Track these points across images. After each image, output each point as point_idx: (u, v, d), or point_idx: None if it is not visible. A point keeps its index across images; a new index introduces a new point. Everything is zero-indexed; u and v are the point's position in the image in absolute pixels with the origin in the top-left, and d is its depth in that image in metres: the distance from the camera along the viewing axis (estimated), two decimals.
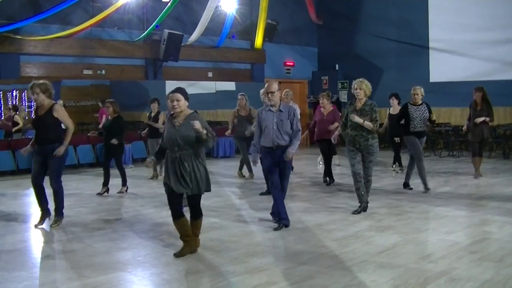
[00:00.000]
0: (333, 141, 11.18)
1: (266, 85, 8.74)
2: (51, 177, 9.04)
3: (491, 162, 16.67)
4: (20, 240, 8.48)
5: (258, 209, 10.09)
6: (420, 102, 11.67)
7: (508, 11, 19.71)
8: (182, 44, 19.15)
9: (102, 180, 12.26)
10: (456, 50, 20.75)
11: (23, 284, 6.24)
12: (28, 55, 17.00)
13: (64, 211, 9.33)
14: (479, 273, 6.22)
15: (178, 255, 7.13)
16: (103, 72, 18.98)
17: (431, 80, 20.94)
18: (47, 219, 9.30)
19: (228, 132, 14.74)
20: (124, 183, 12.46)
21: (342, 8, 23.97)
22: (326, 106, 13.09)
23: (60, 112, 9.04)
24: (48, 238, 8.61)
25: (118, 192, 12.29)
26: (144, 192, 12.56)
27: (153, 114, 14.21)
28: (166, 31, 18.72)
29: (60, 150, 8.94)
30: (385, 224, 8.77)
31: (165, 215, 9.76)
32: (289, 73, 24.16)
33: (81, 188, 12.77)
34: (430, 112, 11.60)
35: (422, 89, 11.81)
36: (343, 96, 23.48)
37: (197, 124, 6.70)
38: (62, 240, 8.26)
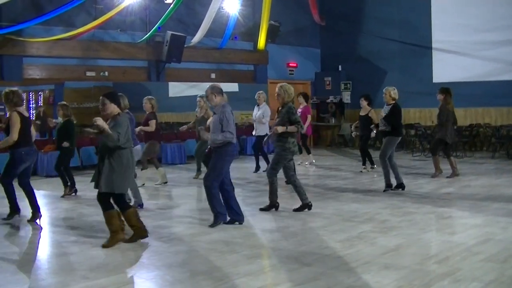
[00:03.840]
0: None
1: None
2: (3, 172, 9.62)
3: (494, 162, 16.65)
4: (23, 242, 8.49)
5: (261, 211, 10.06)
6: (391, 103, 12.02)
7: (511, 12, 19.70)
8: (184, 46, 19.15)
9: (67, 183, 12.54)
10: (459, 51, 20.76)
11: (27, 286, 6.26)
12: (31, 57, 17.01)
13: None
14: (483, 274, 6.21)
15: (104, 245, 7.76)
16: (106, 74, 18.99)
17: (434, 81, 20.93)
18: (16, 216, 9.82)
19: (182, 128, 15.36)
20: (72, 185, 12.58)
21: (345, 9, 23.97)
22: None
23: (11, 120, 9.36)
24: (51, 239, 8.62)
25: (62, 196, 12.38)
26: (146, 194, 12.56)
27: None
28: (169, 32, 18.71)
29: None
30: (389, 225, 8.76)
31: (167, 217, 9.78)
32: (292, 74, 24.16)
33: (84, 189, 12.74)
34: (388, 114, 11.91)
35: (393, 91, 12.11)
36: (346, 97, 23.49)
37: (99, 121, 7.48)
38: (66, 242, 8.26)
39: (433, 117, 20.12)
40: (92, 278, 6.42)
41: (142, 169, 13.28)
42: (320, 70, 25.17)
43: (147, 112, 13.08)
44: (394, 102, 11.99)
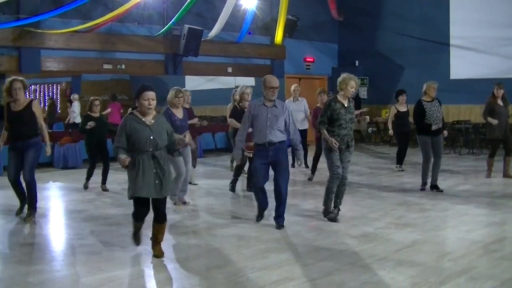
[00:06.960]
0: None
1: (268, 80, 8.67)
2: (30, 170, 9.05)
3: None
4: (39, 234, 8.54)
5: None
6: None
7: None
8: (202, 39, 19.15)
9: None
10: (477, 47, 20.58)
11: (43, 277, 6.28)
12: (49, 49, 17.06)
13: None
14: (499, 272, 6.18)
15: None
16: (123, 66, 19.03)
17: (451, 77, 20.82)
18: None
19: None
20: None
21: (363, 5, 23.85)
22: None
23: (37, 107, 9.12)
24: (67, 231, 8.66)
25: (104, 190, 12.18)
26: None
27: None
28: (186, 26, 18.71)
29: None
30: (405, 222, 8.72)
31: (183, 211, 9.79)
32: (309, 69, 24.11)
33: (100, 182, 12.80)
34: None
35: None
36: (363, 93, 23.37)
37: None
38: (81, 234, 8.30)
39: (450, 114, 20.05)
40: (108, 270, 6.45)
41: None
42: (337, 65, 25.08)
43: None
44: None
